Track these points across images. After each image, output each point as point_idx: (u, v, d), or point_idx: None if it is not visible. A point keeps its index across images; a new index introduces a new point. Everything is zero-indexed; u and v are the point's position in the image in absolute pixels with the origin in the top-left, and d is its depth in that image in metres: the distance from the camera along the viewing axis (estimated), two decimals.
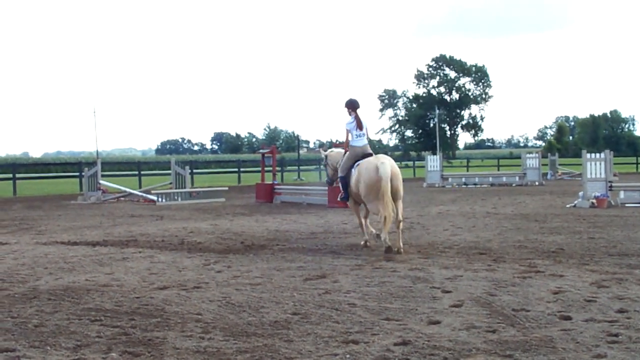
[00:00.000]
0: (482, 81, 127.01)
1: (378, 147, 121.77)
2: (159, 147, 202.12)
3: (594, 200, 21.17)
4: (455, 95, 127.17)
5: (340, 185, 13.63)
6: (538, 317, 7.05)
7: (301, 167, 52.14)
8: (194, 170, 46.58)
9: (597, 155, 22.78)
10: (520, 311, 7.31)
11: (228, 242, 14.06)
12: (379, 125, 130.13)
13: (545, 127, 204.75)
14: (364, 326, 6.80)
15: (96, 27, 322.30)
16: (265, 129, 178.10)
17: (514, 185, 37.74)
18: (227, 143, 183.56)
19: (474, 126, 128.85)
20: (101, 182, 30.62)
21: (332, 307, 7.70)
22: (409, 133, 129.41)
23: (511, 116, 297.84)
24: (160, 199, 27.82)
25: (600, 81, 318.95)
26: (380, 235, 12.35)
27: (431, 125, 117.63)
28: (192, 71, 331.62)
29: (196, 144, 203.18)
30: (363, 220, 13.49)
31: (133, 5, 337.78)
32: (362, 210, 13.55)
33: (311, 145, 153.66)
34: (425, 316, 7.19)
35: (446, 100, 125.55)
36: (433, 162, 39.82)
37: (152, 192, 29.02)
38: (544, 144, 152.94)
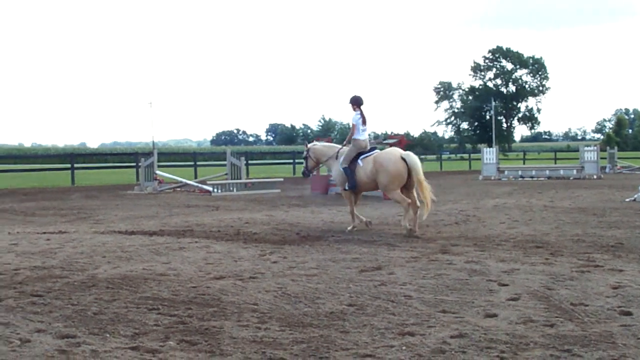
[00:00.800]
0: (540, 73, 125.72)
1: (433, 140, 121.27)
2: (214, 138, 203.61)
3: None
4: (512, 87, 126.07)
5: (346, 175, 14.50)
6: (597, 312, 6.94)
7: None
8: (249, 161, 46.81)
9: None
10: (579, 306, 7.19)
11: (283, 233, 14.10)
12: (434, 117, 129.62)
13: (604, 120, 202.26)
14: (420, 318, 6.77)
15: (154, 20, 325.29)
16: (320, 121, 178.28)
17: (571, 178, 37.26)
18: (282, 134, 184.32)
19: (530, 118, 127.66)
20: (157, 172, 30.92)
21: (388, 298, 7.67)
22: (464, 125, 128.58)
23: (569, 109, 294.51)
24: (215, 190, 28.02)
25: None
26: (403, 222, 13.61)
27: (487, 117, 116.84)
28: (248, 63, 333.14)
29: (251, 135, 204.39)
30: (354, 208, 14.74)
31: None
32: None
33: None
34: (481, 309, 7.12)
35: (502, 92, 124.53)
36: (489, 154, 39.53)
37: (208, 182, 29.21)
38: (602, 137, 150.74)
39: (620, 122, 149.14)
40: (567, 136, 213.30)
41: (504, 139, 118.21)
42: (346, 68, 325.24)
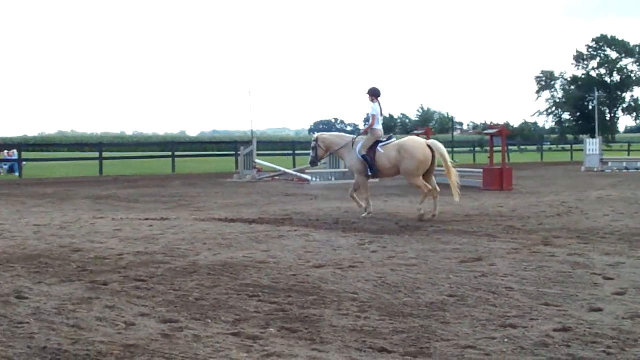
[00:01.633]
0: None
1: (534, 130, 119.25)
2: (312, 127, 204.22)
3: None
4: (617, 77, 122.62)
5: (366, 162, 15.31)
6: None
7: (455, 149, 51.57)
8: None
9: None
10: None
11: (382, 222, 14.07)
12: (535, 107, 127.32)
13: None
14: (522, 311, 6.66)
15: (253, 9, 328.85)
16: (418, 110, 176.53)
17: None
18: None
19: (635, 109, 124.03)
20: (257, 161, 31.23)
21: (489, 290, 7.57)
22: (566, 116, 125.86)
23: None
24: (314, 179, 28.15)
25: None
26: (418, 206, 14.69)
27: (590, 107, 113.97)
28: (348, 52, 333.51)
29: (349, 125, 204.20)
30: (355, 194, 15.78)
31: None
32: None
33: (465, 127, 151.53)
34: (585, 303, 6.96)
35: (606, 82, 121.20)
36: (592, 145, 38.60)
37: (307, 171, 29.34)
38: None
39: None
40: None
41: (607, 130, 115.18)
42: (446, 57, 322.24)
